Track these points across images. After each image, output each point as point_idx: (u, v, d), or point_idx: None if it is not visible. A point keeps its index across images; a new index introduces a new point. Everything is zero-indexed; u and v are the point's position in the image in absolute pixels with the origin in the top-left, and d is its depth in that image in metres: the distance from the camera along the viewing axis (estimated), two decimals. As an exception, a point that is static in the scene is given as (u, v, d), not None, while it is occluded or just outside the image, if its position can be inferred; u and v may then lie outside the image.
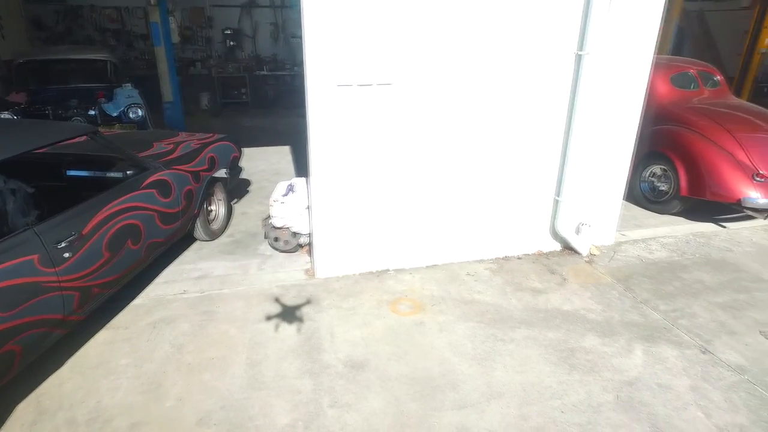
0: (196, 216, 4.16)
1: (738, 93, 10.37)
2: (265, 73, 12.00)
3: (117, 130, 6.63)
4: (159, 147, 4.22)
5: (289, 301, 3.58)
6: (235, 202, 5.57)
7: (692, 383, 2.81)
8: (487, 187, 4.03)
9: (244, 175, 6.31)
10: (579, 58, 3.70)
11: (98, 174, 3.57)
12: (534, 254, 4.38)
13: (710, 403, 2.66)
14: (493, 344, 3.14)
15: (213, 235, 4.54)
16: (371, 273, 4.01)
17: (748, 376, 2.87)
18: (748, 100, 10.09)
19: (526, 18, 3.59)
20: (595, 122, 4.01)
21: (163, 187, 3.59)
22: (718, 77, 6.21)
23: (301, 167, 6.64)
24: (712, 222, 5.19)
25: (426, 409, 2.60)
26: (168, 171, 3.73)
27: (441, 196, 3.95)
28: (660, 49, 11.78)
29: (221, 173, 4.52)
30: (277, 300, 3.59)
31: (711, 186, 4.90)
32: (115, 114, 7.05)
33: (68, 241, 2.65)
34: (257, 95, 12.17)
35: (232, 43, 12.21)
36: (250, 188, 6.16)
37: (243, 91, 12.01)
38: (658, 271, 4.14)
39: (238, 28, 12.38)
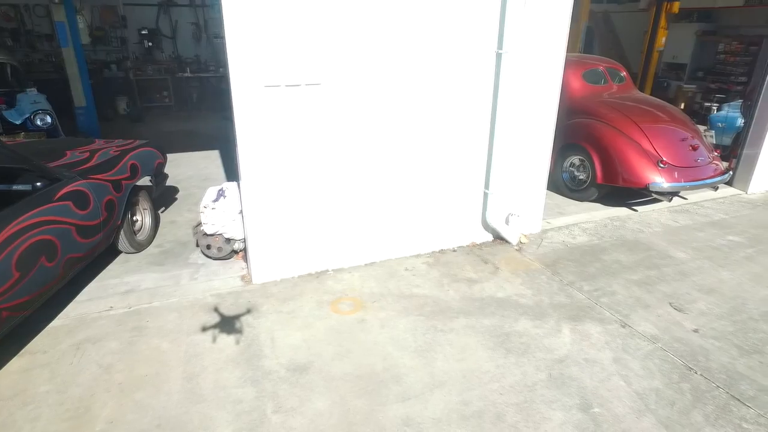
0: (119, 227, 3.92)
1: (641, 87, 11.32)
2: (189, 75, 11.49)
3: (22, 139, 6.07)
4: (73, 156, 3.93)
5: (226, 309, 3.47)
6: (163, 211, 5.30)
7: (614, 355, 3.04)
8: (420, 183, 4.13)
9: (170, 182, 6.02)
10: (499, 57, 3.88)
11: (0, 187, 3.26)
12: (468, 246, 4.54)
13: (630, 372, 2.89)
14: (434, 335, 3.22)
15: (140, 247, 4.29)
16: (310, 274, 3.97)
17: (660, 344, 3.15)
18: (650, 94, 11.06)
19: (451, 18, 3.71)
20: (517, 117, 4.22)
21: (79, 198, 3.34)
22: (624, 73, 6.75)
23: (232, 171, 6.43)
24: (625, 206, 5.64)
25: (372, 404, 2.62)
26: (84, 181, 3.48)
27: (376, 194, 3.99)
28: (572, 47, 12.61)
29: (145, 181, 4.28)
30: (212, 309, 3.46)
31: (622, 173, 5.32)
32: (18, 122, 6.45)
33: (-30, 262, 2.41)
34: (181, 98, 11.64)
35: (149, 43, 11.57)
36: (178, 195, 5.88)
37: (165, 94, 11.45)
38: (580, 254, 4.43)
39: (156, 28, 11.75)
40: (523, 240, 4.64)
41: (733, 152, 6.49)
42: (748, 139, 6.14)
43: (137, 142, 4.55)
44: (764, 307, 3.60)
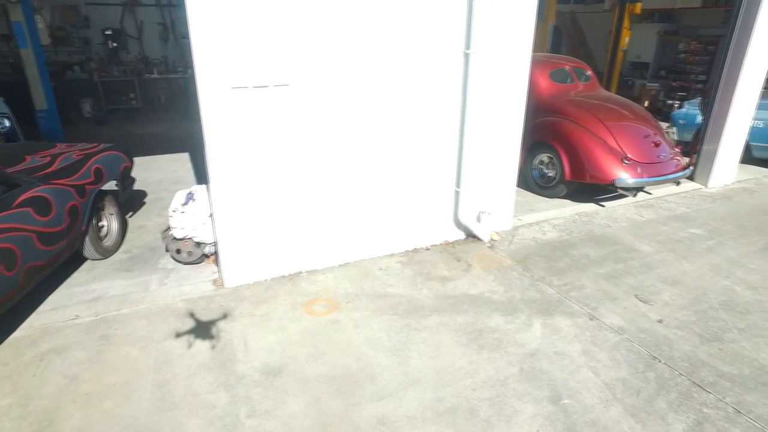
0: (84, 233, 3.81)
1: (607, 86, 11.63)
2: (156, 76, 11.25)
3: (-21, 143, 5.84)
4: (33, 160, 3.80)
5: (198, 314, 3.41)
6: (131, 216, 5.18)
7: (583, 348, 3.12)
8: (393, 183, 4.15)
9: (138, 186, 5.88)
10: (467, 57, 3.94)
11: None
12: (441, 244, 4.59)
13: (598, 363, 2.98)
14: (408, 334, 3.24)
15: (106, 253, 4.18)
16: (284, 277, 3.95)
17: (627, 335, 3.25)
18: (615, 92, 11.38)
19: (419, 19, 3.74)
20: (485, 116, 4.28)
21: (40, 204, 3.24)
22: (589, 72, 6.92)
23: (203, 174, 6.34)
24: (593, 202, 5.78)
25: (346, 405, 2.63)
26: (45, 186, 3.37)
27: (348, 195, 3.99)
28: (540, 47, 12.80)
29: (111, 185, 4.18)
30: (183, 315, 3.40)
31: (589, 170, 5.46)
32: (-25, 126, 6.21)
33: None
34: (148, 100, 11.38)
35: (114, 44, 11.26)
36: (147, 199, 5.75)
37: (132, 96, 11.16)
38: (550, 250, 4.53)
39: (121, 28, 11.44)
40: (495, 237, 4.72)
41: (693, 148, 6.73)
42: (706, 135, 6.39)
43: (102, 146, 4.43)
44: (723, 296, 3.75)
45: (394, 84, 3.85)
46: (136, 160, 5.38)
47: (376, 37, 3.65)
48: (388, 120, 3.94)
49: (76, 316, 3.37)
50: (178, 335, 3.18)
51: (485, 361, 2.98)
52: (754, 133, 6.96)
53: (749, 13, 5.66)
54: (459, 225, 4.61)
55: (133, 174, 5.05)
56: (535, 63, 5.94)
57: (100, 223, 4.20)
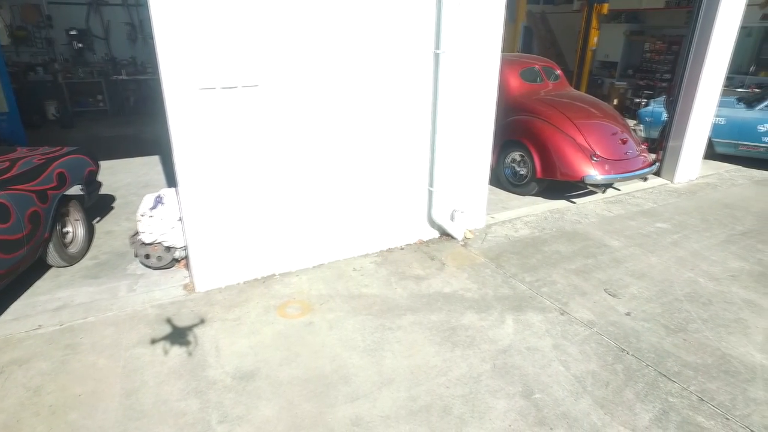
0: (47, 240, 3.69)
1: (577, 85, 11.87)
2: (124, 77, 10.96)
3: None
4: (-9, 165, 3.66)
5: (168, 320, 3.34)
6: (98, 221, 5.04)
7: (554, 342, 3.18)
8: (366, 183, 4.14)
9: (107, 190, 5.75)
10: (437, 56, 3.96)
11: None
12: (415, 243, 4.61)
13: (569, 357, 3.03)
14: (382, 334, 3.25)
15: (72, 260, 4.06)
16: (257, 280, 3.90)
17: (596, 328, 3.32)
18: (586, 91, 11.63)
19: (389, 19, 3.74)
20: (457, 115, 4.32)
21: (-1, 210, 3.12)
22: (559, 71, 7.05)
23: (173, 177, 6.23)
24: (564, 199, 5.89)
25: (320, 407, 2.61)
26: (4, 192, 3.25)
27: (321, 195, 3.97)
28: (511, 47, 12.97)
29: (75, 190, 4.06)
30: (153, 321, 3.33)
31: (560, 168, 5.56)
32: (-70, 130, 5.94)
33: None
34: (116, 102, 11.10)
35: (79, 44, 10.93)
36: (115, 204, 5.61)
37: (99, 97, 10.88)
38: (523, 246, 4.60)
39: (86, 28, 11.12)
40: (468, 235, 4.76)
41: (660, 145, 6.93)
42: (672, 132, 6.58)
43: (65, 149, 4.30)
44: (688, 288, 3.87)
45: (366, 85, 3.84)
46: (104, 163, 5.25)
47: (346, 37, 3.64)
48: (360, 120, 3.93)
49: (40, 325, 3.26)
50: (148, 342, 3.11)
51: (459, 359, 3.00)
52: (716, 130, 7.21)
53: (708, 15, 5.86)
54: (433, 224, 4.63)
55: (100, 178, 4.92)
56: (506, 62, 6.03)
57: (64, 229, 4.07)
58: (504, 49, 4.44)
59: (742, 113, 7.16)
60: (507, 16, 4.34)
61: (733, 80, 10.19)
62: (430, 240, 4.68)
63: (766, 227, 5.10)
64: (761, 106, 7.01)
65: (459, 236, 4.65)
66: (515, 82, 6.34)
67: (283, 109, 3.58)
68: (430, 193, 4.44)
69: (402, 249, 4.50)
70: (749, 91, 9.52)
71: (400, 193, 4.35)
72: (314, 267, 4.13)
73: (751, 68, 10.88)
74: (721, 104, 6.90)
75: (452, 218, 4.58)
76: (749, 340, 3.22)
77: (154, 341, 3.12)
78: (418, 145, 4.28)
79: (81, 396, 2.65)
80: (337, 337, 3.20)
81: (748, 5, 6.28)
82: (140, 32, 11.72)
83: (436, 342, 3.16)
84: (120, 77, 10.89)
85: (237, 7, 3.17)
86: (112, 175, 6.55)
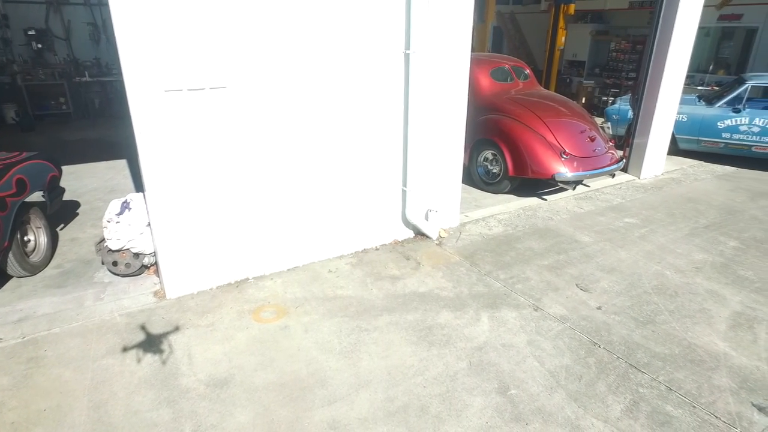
0: (6, 249, 3.54)
1: (546, 84, 12.09)
2: (88, 79, 10.61)
3: None
4: (-56, 172, 3.49)
5: (138, 328, 3.25)
6: (61, 228, 4.86)
7: (528, 338, 3.22)
8: (339, 184, 4.12)
9: (71, 196, 5.56)
10: (407, 57, 3.97)
11: None
12: (390, 243, 4.60)
13: (543, 352, 3.08)
14: (359, 335, 3.23)
15: (34, 269, 3.90)
16: (230, 284, 3.83)
17: (569, 323, 3.39)
18: (555, 90, 11.86)
19: (359, 20, 3.73)
20: (428, 115, 4.34)
21: (-47, 219, 2.97)
22: (528, 71, 7.16)
23: (141, 182, 6.07)
24: (536, 197, 5.99)
25: (297, 411, 2.58)
26: (-41, 200, 3.10)
27: (294, 198, 3.93)
28: (481, 47, 13.10)
29: (36, 197, 3.90)
30: (122, 330, 3.23)
31: (531, 165, 5.65)
32: None
33: None
34: (80, 104, 10.74)
35: (39, 45, 10.53)
36: (80, 210, 5.42)
37: (62, 100, 10.50)
38: (497, 244, 4.65)
39: (46, 28, 10.72)
40: (443, 234, 4.79)
41: (626, 142, 7.12)
42: (637, 129, 6.78)
43: (25, 154, 4.12)
44: (655, 280, 3.98)
45: (337, 85, 3.82)
46: (68, 168, 5.08)
47: (316, 38, 3.60)
48: (332, 122, 3.90)
49: (0, 339, 3.12)
50: (117, 352, 3.01)
51: (435, 358, 3.01)
52: (679, 127, 7.46)
53: (669, 15, 6.05)
54: (407, 224, 4.64)
55: (64, 183, 4.74)
56: (476, 62, 6.09)
57: (25, 238, 3.91)
58: (474, 49, 4.49)
59: (702, 110, 7.42)
60: (476, 16, 4.39)
61: (693, 79, 10.56)
62: (405, 240, 4.69)
63: (727, 220, 5.30)
64: (720, 103, 7.28)
65: (434, 235, 4.67)
66: (486, 82, 6.41)
67: (254, 110, 3.52)
68: (404, 193, 4.44)
69: (377, 249, 4.49)
70: (709, 89, 9.89)
71: (374, 194, 4.35)
72: (289, 270, 4.08)
73: (710, 67, 11.29)
74: (683, 102, 7.15)
75: (427, 218, 4.60)
76: (713, 329, 3.34)
77: (123, 351, 3.02)
78: (392, 145, 4.28)
79: (45, 411, 2.55)
80: (313, 341, 3.17)
81: (706, 6, 6.52)
82: (104, 32, 11.38)
83: (412, 342, 3.17)
84: (83, 79, 10.54)
85: (203, 6, 3.10)
86: (77, 180, 6.34)
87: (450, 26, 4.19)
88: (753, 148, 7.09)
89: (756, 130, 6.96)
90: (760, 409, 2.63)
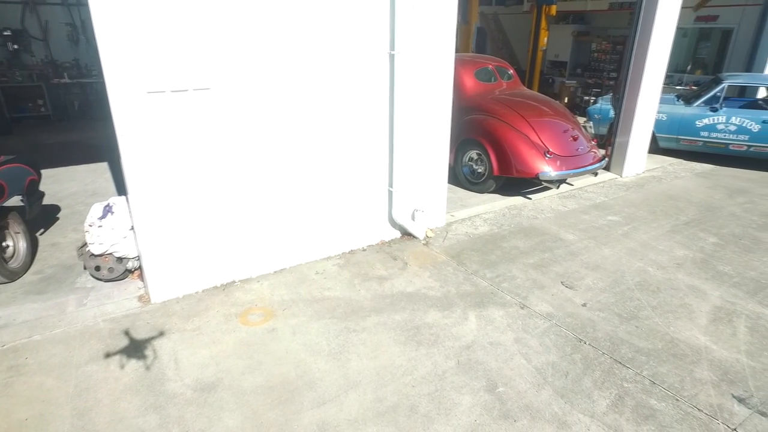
0: (-15, 255, 3.46)
1: (530, 84, 12.21)
2: (67, 81, 10.42)
3: None
4: None
5: (122, 334, 3.20)
6: (42, 233, 4.77)
7: (515, 336, 3.25)
8: (326, 185, 4.11)
9: (51, 200, 5.45)
10: (392, 58, 3.98)
11: None
12: (377, 244, 4.61)
13: (530, 349, 3.11)
14: (347, 336, 3.23)
15: (13, 275, 3.82)
16: (216, 287, 3.79)
17: (555, 320, 3.43)
18: (538, 90, 11.98)
19: (344, 21, 3.72)
20: (414, 116, 4.35)
21: (-72, 225, 2.89)
22: (511, 71, 7.23)
23: (124, 185, 5.97)
24: (520, 196, 6.05)
25: (286, 414, 2.57)
26: (-66, 205, 3.02)
27: (280, 199, 3.91)
28: (465, 47, 13.15)
29: (15, 201, 3.82)
30: (106, 336, 3.17)
31: (515, 165, 5.71)
32: None
33: None
34: (60, 107, 10.53)
35: (15, 46, 10.30)
36: (60, 214, 5.32)
37: (40, 102, 10.29)
38: (483, 243, 4.68)
39: (22, 28, 10.49)
40: (430, 234, 4.81)
41: (608, 141, 7.23)
42: (619, 128, 6.89)
43: (2, 158, 4.03)
44: (638, 277, 4.05)
45: (322, 86, 3.81)
46: (47, 171, 4.98)
47: (302, 39, 3.59)
48: (318, 123, 3.89)
49: (-21, 347, 3.05)
50: (101, 358, 2.96)
51: (424, 357, 3.02)
52: (659, 126, 7.60)
53: (648, 17, 6.16)
54: (394, 224, 4.65)
55: (43, 187, 4.65)
56: (461, 63, 6.13)
57: (3, 243, 3.83)
58: (458, 50, 4.52)
59: (681, 110, 7.57)
60: (460, 17, 4.42)
61: (672, 78, 10.76)
62: (392, 240, 4.70)
63: (706, 217, 5.42)
64: (698, 102, 7.44)
65: (420, 235, 4.69)
66: (470, 82, 6.45)
67: (238, 112, 3.49)
68: (391, 193, 4.45)
69: (364, 250, 4.49)
70: (687, 88, 10.09)
71: (360, 195, 4.35)
72: (275, 272, 4.05)
73: (688, 67, 11.52)
74: (663, 101, 7.28)
75: (413, 218, 4.62)
76: (694, 323, 3.41)
77: (107, 357, 2.98)
78: (378, 146, 4.28)
79: (27, 420, 2.49)
80: (301, 343, 3.16)
81: (683, 8, 6.65)
82: (83, 33, 11.17)
83: (400, 342, 3.17)
84: (62, 81, 10.34)
85: (186, 6, 3.07)
86: (57, 183, 6.22)
87: (434, 27, 4.21)
88: (730, 146, 7.26)
89: (732, 128, 7.13)
90: (740, 400, 2.69)
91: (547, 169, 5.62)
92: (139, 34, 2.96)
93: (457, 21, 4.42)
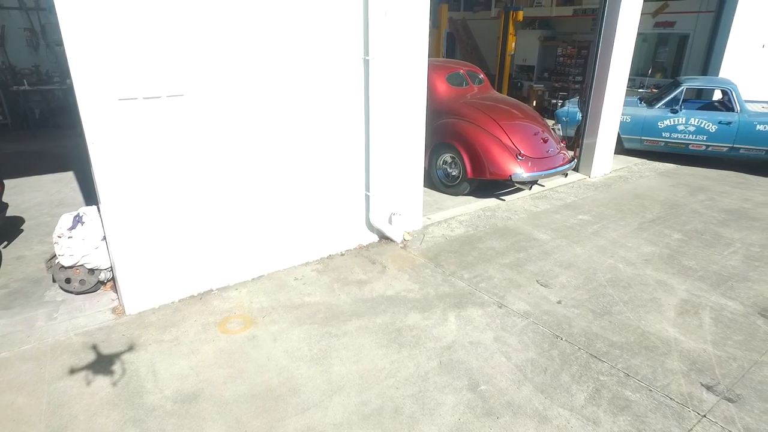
0: (-54, 271, 3.30)
1: (499, 88, 12.47)
2: (27, 88, 10.03)
3: None
4: None
5: (96, 347, 3.11)
6: (5, 246, 4.58)
7: (495, 335, 3.32)
8: (302, 191, 4.10)
9: (13, 212, 5.25)
10: (366, 63, 4.01)
11: None
12: (356, 248, 4.62)
13: (509, 347, 3.18)
14: (329, 341, 3.22)
15: (-23, 291, 3.66)
16: (193, 297, 3.73)
17: (532, 318, 3.51)
18: (507, 93, 12.24)
19: (318, 27, 3.73)
20: (389, 120, 4.40)
21: None
22: (482, 75, 7.37)
23: (91, 194, 5.80)
24: (494, 197, 6.17)
25: (270, 422, 2.55)
26: None
27: (257, 206, 3.88)
28: (436, 53, 13.35)
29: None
30: (79, 350, 3.08)
31: (489, 167, 5.82)
32: None
33: None
34: (19, 115, 10.11)
35: (-30, 52, 9.89)
36: (25, 226, 5.12)
37: (-3, 110, 9.88)
38: (459, 245, 4.75)
39: (-22, 34, 10.08)
40: (407, 237, 4.85)
41: (576, 142, 7.45)
42: (586, 130, 7.11)
43: (-37, 169, 3.87)
44: (609, 273, 4.19)
45: (297, 91, 3.81)
46: (9, 182, 4.80)
47: (276, 45, 3.58)
48: (293, 128, 3.89)
49: (-57, 367, 2.91)
50: (75, 373, 2.87)
51: (406, 359, 3.05)
52: (624, 127, 7.88)
53: (610, 22, 6.40)
54: (372, 228, 4.67)
55: (6, 198, 4.48)
56: (433, 67, 6.22)
57: (-34, 257, 3.67)
58: (429, 55, 4.58)
59: (644, 111, 7.87)
60: (431, 22, 4.48)
61: (634, 82, 11.17)
62: (370, 244, 4.71)
63: (670, 214, 5.64)
64: (659, 105, 7.75)
65: (398, 238, 4.72)
66: (443, 87, 6.55)
67: (213, 118, 3.46)
68: (368, 197, 4.47)
69: (343, 255, 4.50)
70: (649, 91, 10.50)
71: (337, 200, 4.35)
72: (254, 279, 4.02)
73: (649, 70, 11.98)
74: (627, 104, 7.56)
75: (390, 221, 4.65)
76: (663, 316, 3.55)
77: (82, 371, 2.89)
78: (354, 151, 4.30)
79: (-1, 440, 2.40)
80: (282, 349, 3.14)
81: (643, 14, 6.93)
82: (43, 38, 10.80)
83: (382, 344, 3.19)
84: (21, 88, 9.96)
85: (158, 11, 3.03)
86: (20, 194, 5.99)
87: (407, 33, 4.27)
88: (690, 146, 7.59)
89: (692, 129, 7.46)
90: (708, 388, 2.82)
91: (520, 171, 5.75)
92: (110, 39, 2.90)
93: (429, 26, 4.49)
